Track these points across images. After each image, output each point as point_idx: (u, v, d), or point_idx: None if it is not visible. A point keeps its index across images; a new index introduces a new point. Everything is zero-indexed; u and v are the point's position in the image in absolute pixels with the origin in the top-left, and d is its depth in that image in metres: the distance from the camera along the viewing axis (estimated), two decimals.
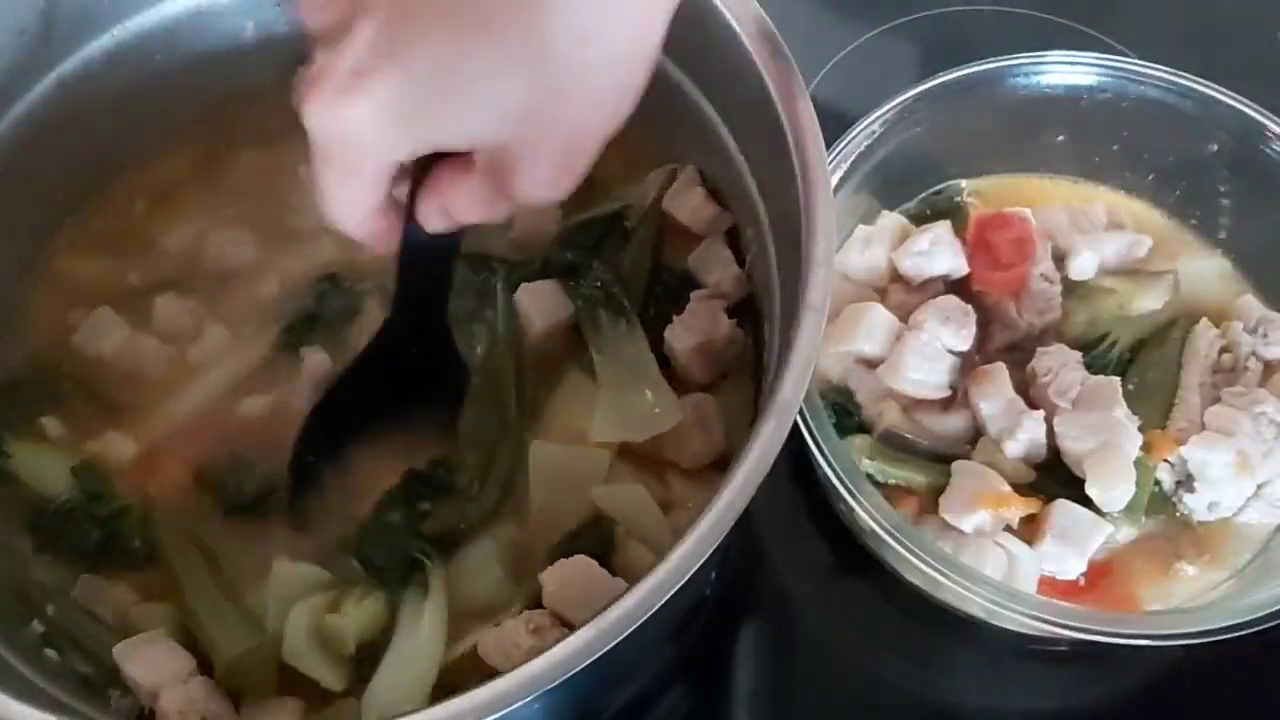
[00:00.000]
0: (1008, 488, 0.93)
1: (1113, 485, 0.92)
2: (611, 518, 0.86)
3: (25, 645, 0.83)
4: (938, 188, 1.10)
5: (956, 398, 0.99)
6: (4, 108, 0.93)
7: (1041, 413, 0.96)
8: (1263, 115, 1.03)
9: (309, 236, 0.99)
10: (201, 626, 0.83)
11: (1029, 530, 0.94)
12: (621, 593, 0.78)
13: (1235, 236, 1.08)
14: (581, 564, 0.81)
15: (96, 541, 0.88)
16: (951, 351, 0.99)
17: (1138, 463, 0.94)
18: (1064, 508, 0.93)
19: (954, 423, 0.98)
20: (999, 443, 0.96)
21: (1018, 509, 0.93)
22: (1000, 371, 0.98)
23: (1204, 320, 1.02)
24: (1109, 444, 0.92)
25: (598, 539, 0.84)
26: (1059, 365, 0.97)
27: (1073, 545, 0.91)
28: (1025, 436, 0.95)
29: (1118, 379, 0.97)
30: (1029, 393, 0.98)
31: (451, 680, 0.80)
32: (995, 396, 0.96)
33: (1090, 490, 0.92)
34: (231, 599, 0.84)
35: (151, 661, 0.80)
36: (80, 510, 0.88)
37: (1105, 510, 0.93)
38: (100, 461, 0.91)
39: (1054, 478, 0.96)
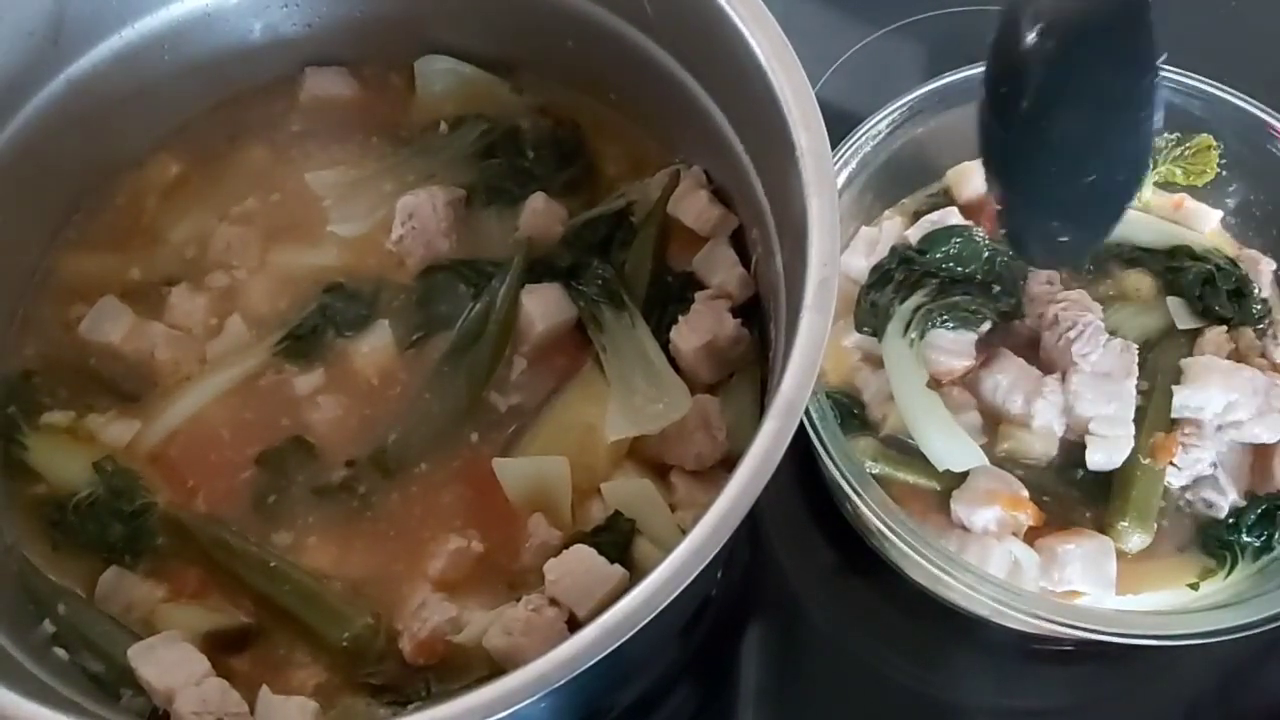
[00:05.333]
0: (1025, 491, 0.94)
1: (1114, 451, 0.94)
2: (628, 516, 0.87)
3: (35, 644, 0.83)
4: (946, 183, 1.10)
5: (961, 397, 0.99)
6: (14, 109, 0.93)
7: (1056, 377, 0.96)
8: (1267, 114, 1.03)
9: (315, 239, 1.00)
10: (301, 620, 0.85)
11: (1032, 534, 0.95)
12: (620, 582, 0.80)
13: (1240, 235, 1.08)
14: (582, 554, 0.82)
15: (120, 537, 0.89)
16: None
17: (1145, 470, 0.94)
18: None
19: (962, 423, 0.98)
20: (1025, 417, 0.96)
21: (1029, 515, 0.93)
22: (1004, 351, 0.98)
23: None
24: (1119, 416, 0.94)
25: (617, 536, 0.86)
26: (1084, 323, 0.96)
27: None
28: (1053, 398, 0.95)
29: (1135, 346, 0.97)
30: (1039, 354, 0.99)
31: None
32: (1006, 369, 0.97)
33: (1091, 456, 0.94)
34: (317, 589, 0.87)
35: (166, 663, 0.81)
36: (103, 506, 0.89)
37: (1124, 546, 0.94)
38: (119, 454, 0.91)
39: (1067, 483, 0.97)
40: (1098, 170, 0.76)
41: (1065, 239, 0.82)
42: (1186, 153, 1.07)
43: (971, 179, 1.07)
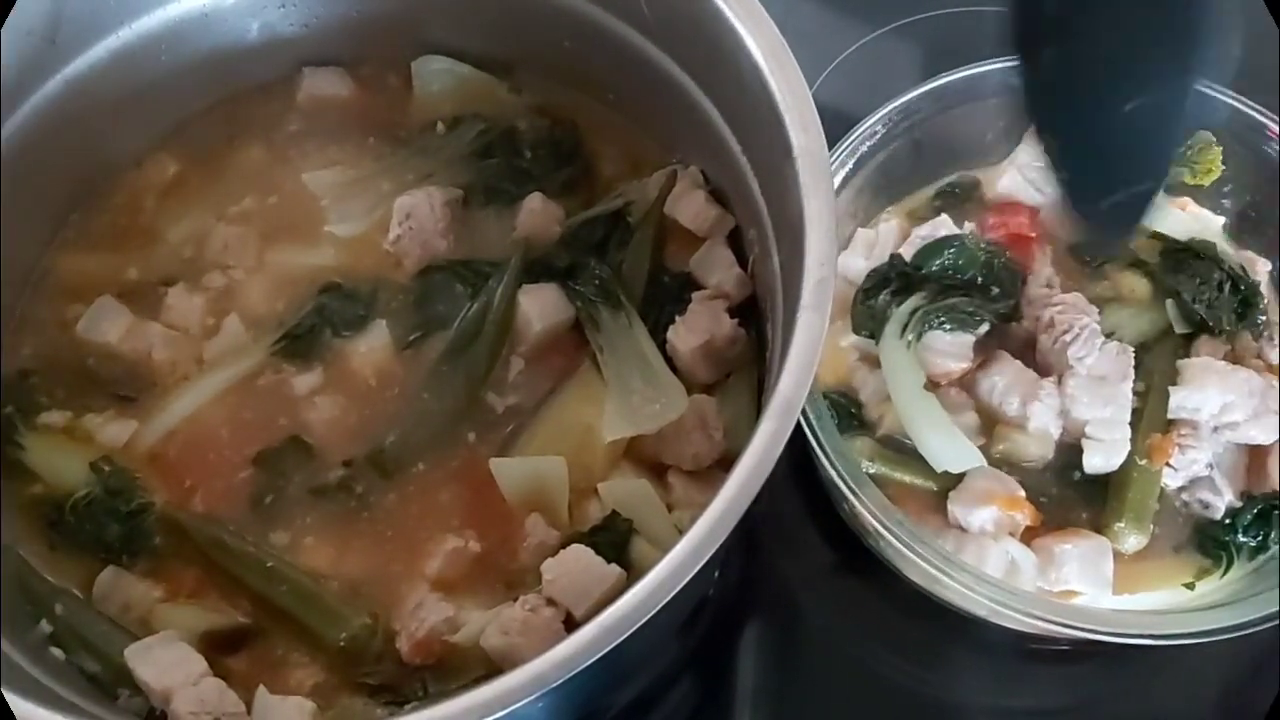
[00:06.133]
0: (1021, 491, 0.94)
1: (1110, 455, 0.93)
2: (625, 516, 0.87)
3: (32, 644, 0.83)
4: (945, 182, 1.10)
5: (959, 398, 0.99)
6: (12, 108, 0.93)
7: (1053, 380, 0.96)
8: (1265, 114, 1.03)
9: (312, 239, 1.00)
10: (299, 620, 0.85)
11: (1029, 534, 0.95)
12: (617, 581, 0.80)
13: (1237, 236, 1.08)
14: (579, 553, 0.82)
15: (118, 537, 0.89)
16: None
17: (1141, 471, 0.94)
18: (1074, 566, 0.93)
19: (959, 424, 0.98)
20: (1022, 419, 0.96)
21: (1026, 515, 0.93)
22: (1001, 353, 0.98)
23: None
24: (1115, 419, 0.94)
25: (615, 535, 0.86)
26: (1080, 326, 0.96)
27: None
28: (1049, 401, 0.95)
29: (1132, 350, 0.97)
30: (1035, 356, 0.99)
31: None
32: (1003, 371, 0.97)
33: (1088, 460, 0.94)
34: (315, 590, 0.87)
35: (164, 664, 0.81)
36: (100, 505, 0.89)
37: (1121, 546, 0.94)
38: (117, 454, 0.92)
39: (1064, 484, 0.97)
40: (1134, 91, 0.75)
41: (1116, 196, 0.81)
42: (1190, 152, 1.06)
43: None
